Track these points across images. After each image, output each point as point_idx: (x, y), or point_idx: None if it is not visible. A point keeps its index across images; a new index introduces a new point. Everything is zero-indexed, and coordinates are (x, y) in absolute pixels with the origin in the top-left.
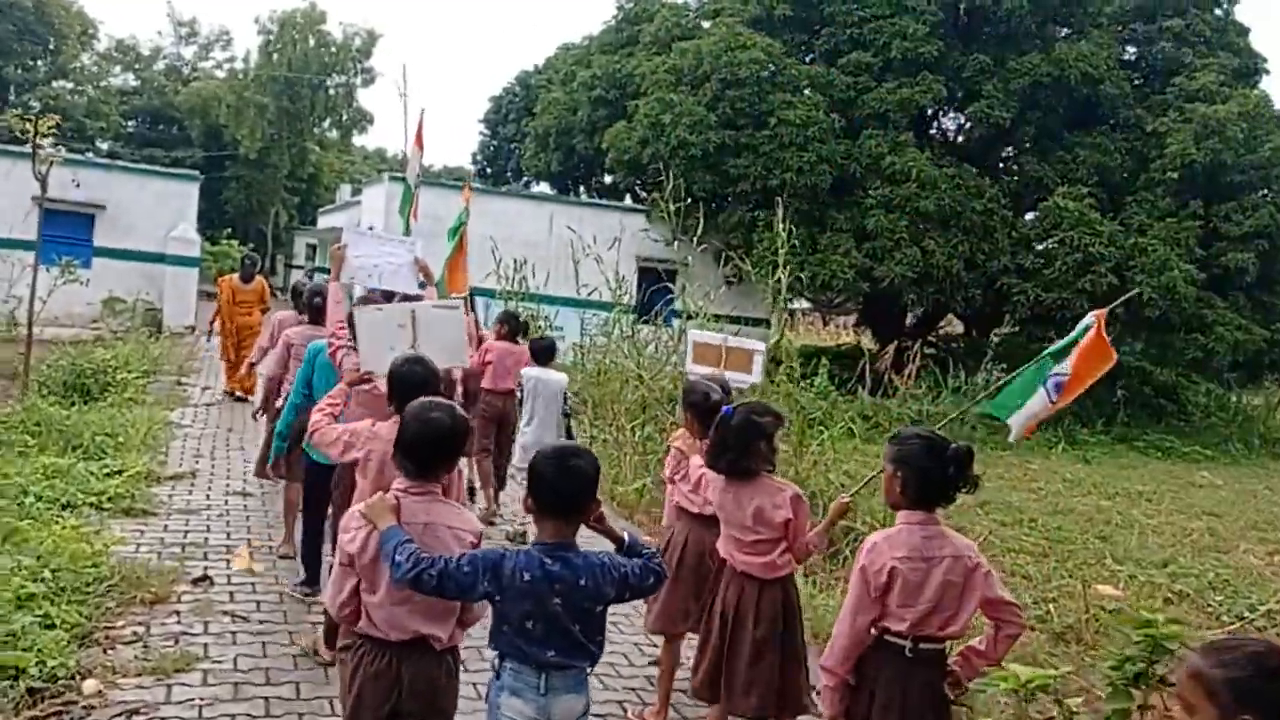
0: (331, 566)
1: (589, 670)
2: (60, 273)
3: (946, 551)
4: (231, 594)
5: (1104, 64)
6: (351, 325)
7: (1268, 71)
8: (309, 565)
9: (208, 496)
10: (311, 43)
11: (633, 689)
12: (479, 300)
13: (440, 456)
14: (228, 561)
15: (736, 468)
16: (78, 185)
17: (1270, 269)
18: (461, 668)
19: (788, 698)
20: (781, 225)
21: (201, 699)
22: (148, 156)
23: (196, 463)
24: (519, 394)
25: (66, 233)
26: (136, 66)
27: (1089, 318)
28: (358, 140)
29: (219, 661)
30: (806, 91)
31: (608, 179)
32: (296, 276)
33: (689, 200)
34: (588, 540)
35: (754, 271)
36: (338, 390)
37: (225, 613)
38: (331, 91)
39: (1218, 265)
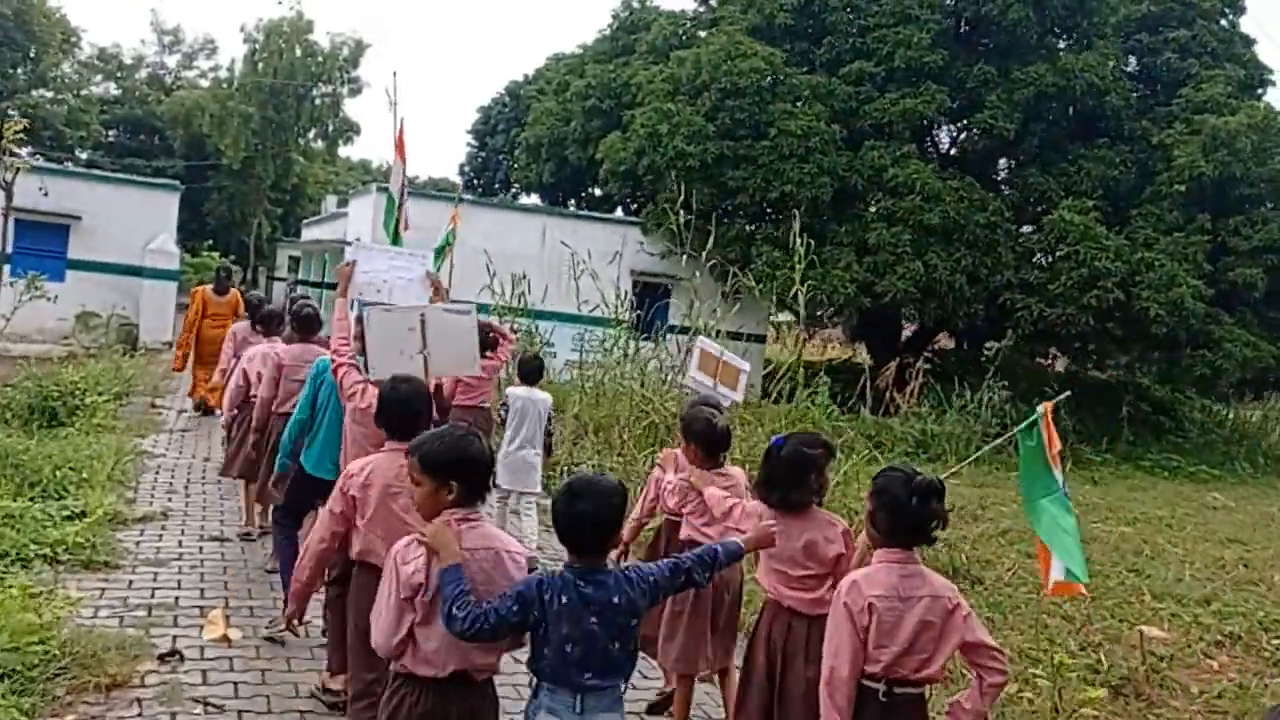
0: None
1: (624, 687)
2: (26, 287)
3: (924, 591)
4: (204, 673)
5: (1109, 75)
6: (361, 329)
7: (1274, 83)
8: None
9: (180, 544)
10: (298, 52)
11: None
12: None
13: (485, 479)
14: (200, 628)
15: (788, 501)
16: (45, 193)
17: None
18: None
19: None
20: (798, 240)
21: None
22: (128, 166)
23: (169, 499)
24: (502, 413)
25: (39, 244)
26: (119, 75)
27: (1039, 408)
28: (343, 151)
29: None
30: (807, 102)
31: (598, 191)
32: (277, 289)
33: (689, 212)
34: None
35: (758, 287)
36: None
37: (196, 699)
38: (318, 101)
39: (1226, 280)
